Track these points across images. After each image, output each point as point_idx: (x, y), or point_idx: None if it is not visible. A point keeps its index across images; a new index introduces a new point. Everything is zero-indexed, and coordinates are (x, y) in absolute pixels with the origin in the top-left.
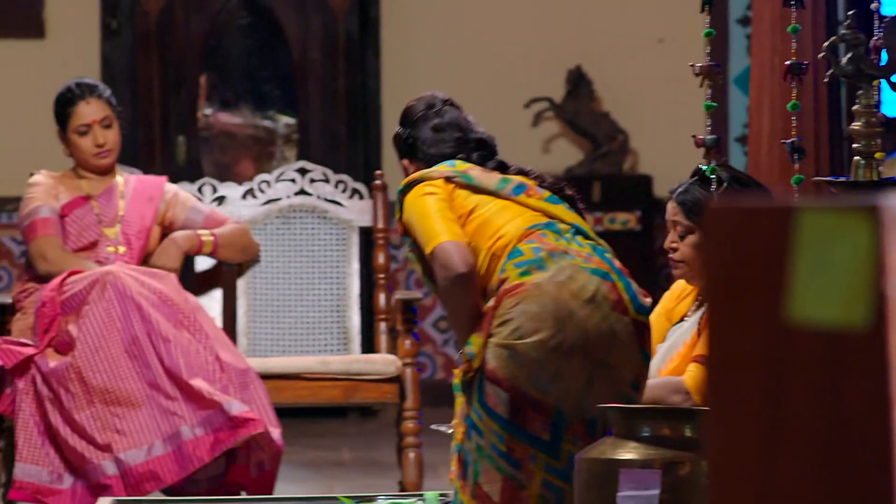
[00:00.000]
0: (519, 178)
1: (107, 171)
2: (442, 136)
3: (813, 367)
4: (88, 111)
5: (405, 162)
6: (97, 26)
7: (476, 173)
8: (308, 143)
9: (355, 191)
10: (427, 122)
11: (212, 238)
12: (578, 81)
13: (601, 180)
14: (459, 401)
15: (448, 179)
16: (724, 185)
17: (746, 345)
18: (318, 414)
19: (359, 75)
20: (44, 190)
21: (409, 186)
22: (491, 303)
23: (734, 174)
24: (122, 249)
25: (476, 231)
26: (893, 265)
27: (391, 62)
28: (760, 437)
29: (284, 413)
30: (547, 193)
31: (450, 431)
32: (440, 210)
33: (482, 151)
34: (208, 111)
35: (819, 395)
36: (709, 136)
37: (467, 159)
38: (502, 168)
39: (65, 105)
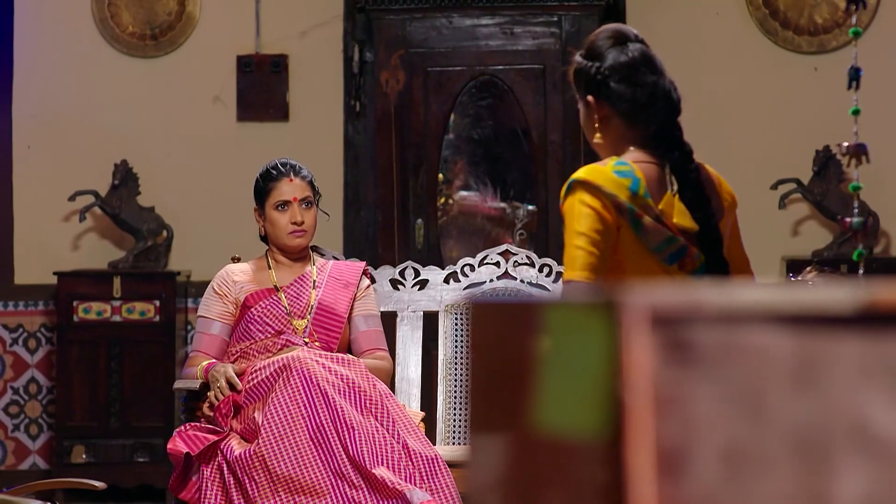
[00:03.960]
0: (680, 241)
1: (300, 255)
2: (635, 75)
3: (557, 478)
4: (290, 189)
5: (591, 98)
6: (340, 108)
7: (647, 222)
8: (547, 227)
9: (559, 274)
10: (618, 56)
11: None
12: (826, 162)
13: (849, 264)
14: None
15: (620, 212)
16: None
17: (501, 452)
18: None
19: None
20: (221, 299)
21: (582, 185)
22: None
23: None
24: (307, 340)
25: (613, 280)
26: (636, 369)
27: None
28: None
29: None
30: (700, 261)
31: None
32: (593, 238)
33: (668, 111)
34: (447, 194)
35: None
36: (856, 219)
37: (652, 121)
38: (674, 145)
39: (267, 181)
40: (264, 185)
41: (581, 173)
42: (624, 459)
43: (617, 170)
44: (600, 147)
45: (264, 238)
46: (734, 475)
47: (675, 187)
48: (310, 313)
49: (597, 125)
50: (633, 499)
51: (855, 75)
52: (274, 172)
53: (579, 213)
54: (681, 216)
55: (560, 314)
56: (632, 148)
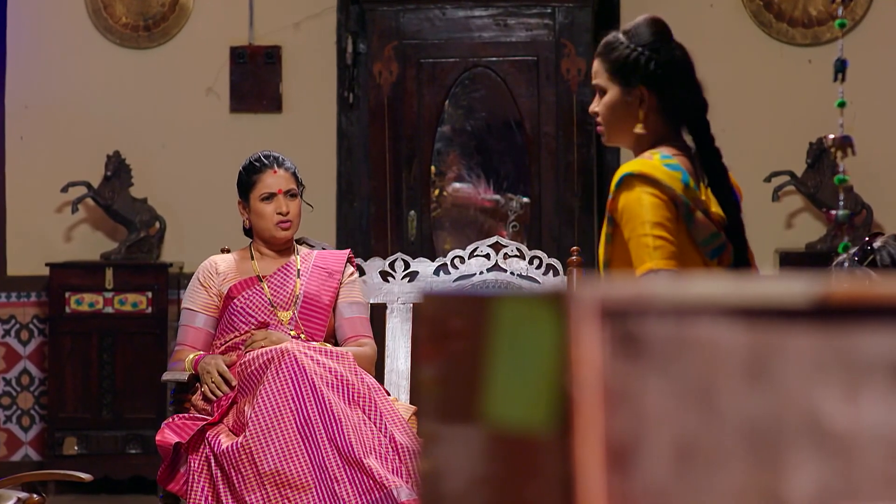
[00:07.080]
0: (722, 236)
1: (284, 246)
2: (688, 75)
3: (502, 473)
4: (274, 181)
5: (643, 89)
6: (334, 100)
7: (698, 216)
8: (541, 218)
9: (550, 266)
10: (672, 52)
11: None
12: (820, 154)
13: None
14: None
15: (676, 206)
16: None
17: (452, 447)
18: None
19: (593, 148)
20: (206, 291)
21: (640, 178)
22: None
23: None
24: (293, 332)
25: None
26: (585, 362)
27: None
28: None
29: None
30: (732, 258)
31: None
32: (664, 226)
33: (701, 120)
34: (440, 185)
35: None
36: (841, 212)
37: (685, 120)
38: (705, 143)
39: (251, 174)
40: (248, 178)
41: (634, 167)
42: (573, 453)
43: (666, 163)
44: (640, 137)
45: (248, 232)
46: (686, 469)
47: (706, 179)
48: (295, 305)
49: (642, 114)
50: (583, 493)
51: (841, 67)
52: (258, 165)
53: (649, 204)
54: (717, 206)
55: (510, 307)
56: (665, 141)
